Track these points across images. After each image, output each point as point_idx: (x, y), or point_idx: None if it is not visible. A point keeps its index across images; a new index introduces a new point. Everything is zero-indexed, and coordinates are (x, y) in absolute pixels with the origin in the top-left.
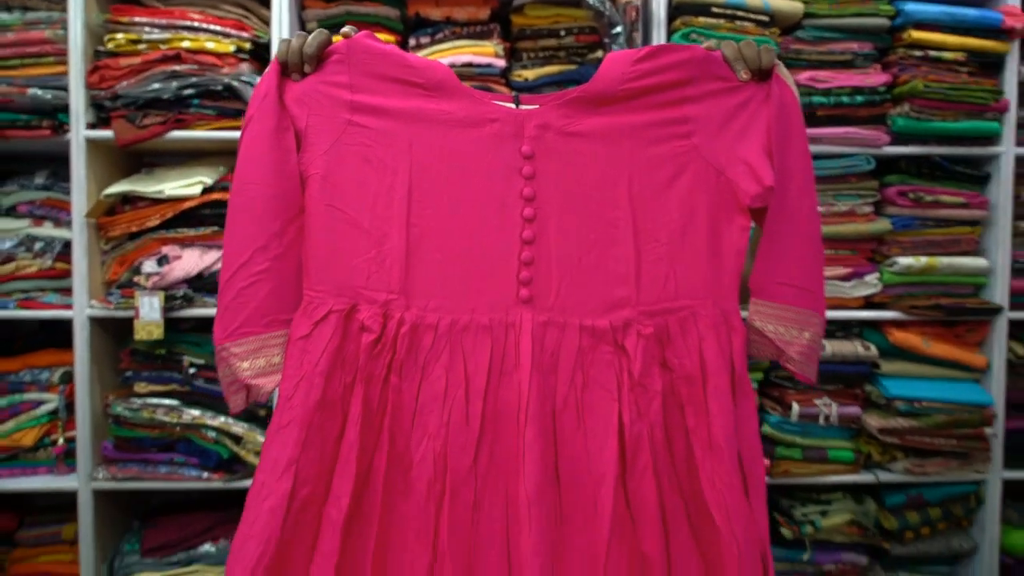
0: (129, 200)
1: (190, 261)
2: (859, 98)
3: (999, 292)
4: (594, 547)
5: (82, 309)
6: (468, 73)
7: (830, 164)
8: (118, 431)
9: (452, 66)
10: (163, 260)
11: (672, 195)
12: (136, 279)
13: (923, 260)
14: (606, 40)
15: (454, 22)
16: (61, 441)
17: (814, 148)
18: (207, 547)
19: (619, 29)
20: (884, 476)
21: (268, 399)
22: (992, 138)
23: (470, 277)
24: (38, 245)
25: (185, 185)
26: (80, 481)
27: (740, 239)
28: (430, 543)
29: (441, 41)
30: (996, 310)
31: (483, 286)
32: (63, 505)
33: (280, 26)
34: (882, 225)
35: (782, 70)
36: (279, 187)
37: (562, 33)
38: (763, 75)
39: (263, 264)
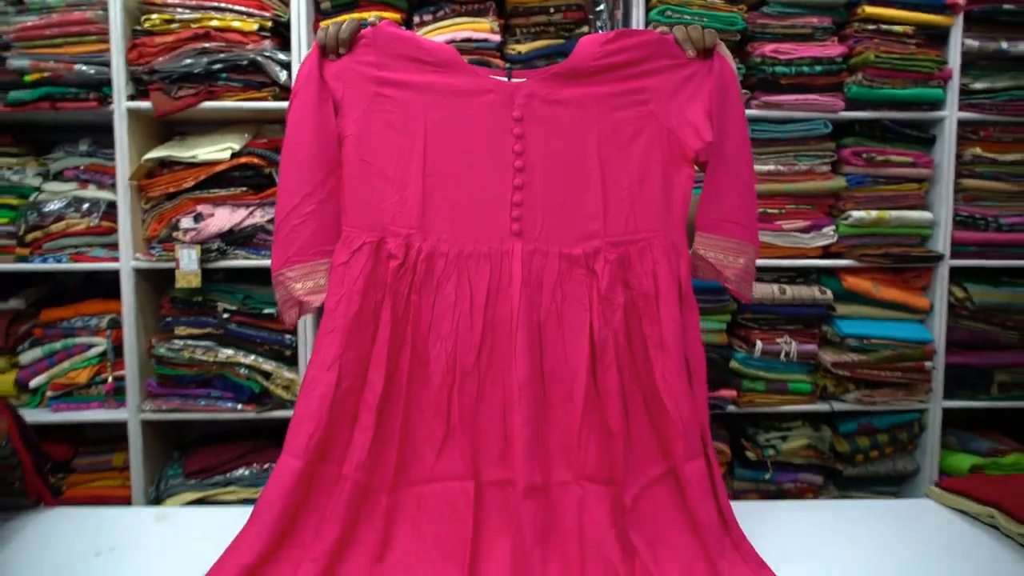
0: (166, 164)
1: (222, 218)
2: (818, 68)
3: (942, 242)
4: (570, 423)
5: (128, 261)
6: (467, 47)
7: (792, 128)
8: (161, 370)
9: (452, 41)
10: (198, 217)
11: (632, 150)
12: (175, 235)
13: (874, 214)
14: (590, 16)
15: (454, 0)
16: (110, 379)
17: (777, 113)
18: (241, 471)
19: (602, 7)
20: (838, 406)
21: (315, 311)
22: (937, 103)
23: (473, 215)
24: (85, 205)
25: (216, 150)
26: (130, 413)
27: (687, 185)
28: (444, 420)
29: (442, 18)
30: (938, 257)
31: (483, 223)
32: (112, 437)
33: (299, 6)
34: (838, 183)
35: (722, 49)
36: (321, 146)
37: (551, 10)
38: (707, 53)
39: (310, 207)
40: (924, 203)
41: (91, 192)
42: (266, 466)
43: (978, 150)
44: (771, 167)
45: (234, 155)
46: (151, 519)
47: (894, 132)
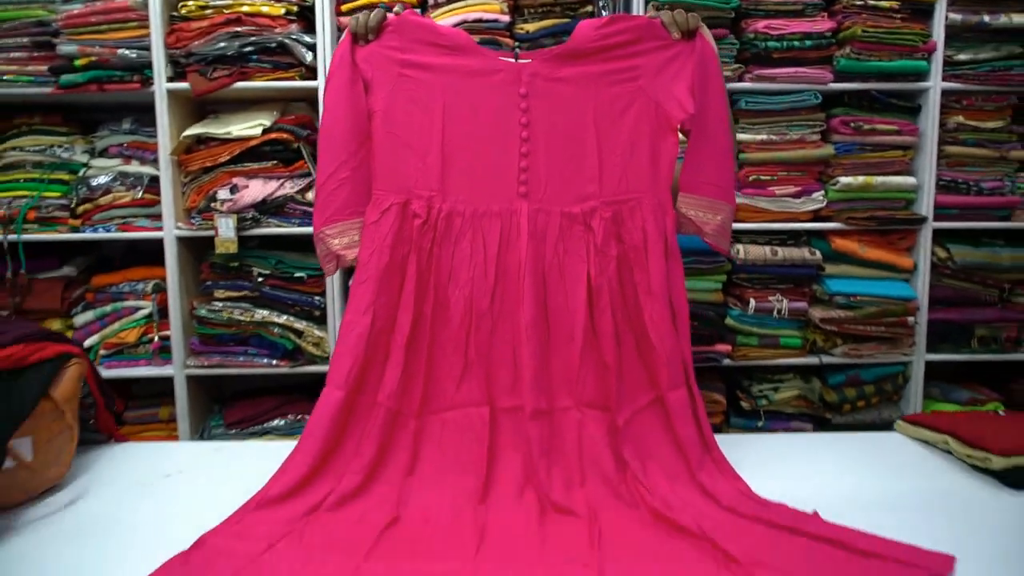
0: (202, 140)
1: (256, 189)
2: (808, 42)
3: (925, 205)
4: (571, 358)
5: (171, 230)
6: (477, 27)
7: (783, 99)
8: (202, 329)
9: (464, 22)
10: (234, 189)
11: (624, 121)
12: (212, 205)
13: (861, 179)
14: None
15: None
16: (156, 339)
17: (770, 85)
18: (277, 422)
19: None
20: (827, 359)
21: (350, 264)
22: (922, 74)
23: (485, 179)
24: (130, 179)
25: (248, 127)
26: (176, 369)
27: (672, 151)
28: (463, 356)
29: (455, 0)
30: (922, 220)
31: (494, 186)
32: (158, 392)
33: None
34: (827, 151)
35: (704, 31)
36: (354, 121)
37: None
38: (690, 35)
39: (345, 173)
40: (909, 169)
41: (134, 167)
42: (299, 417)
43: (961, 118)
44: (764, 136)
45: (265, 131)
46: (210, 450)
47: (881, 102)
